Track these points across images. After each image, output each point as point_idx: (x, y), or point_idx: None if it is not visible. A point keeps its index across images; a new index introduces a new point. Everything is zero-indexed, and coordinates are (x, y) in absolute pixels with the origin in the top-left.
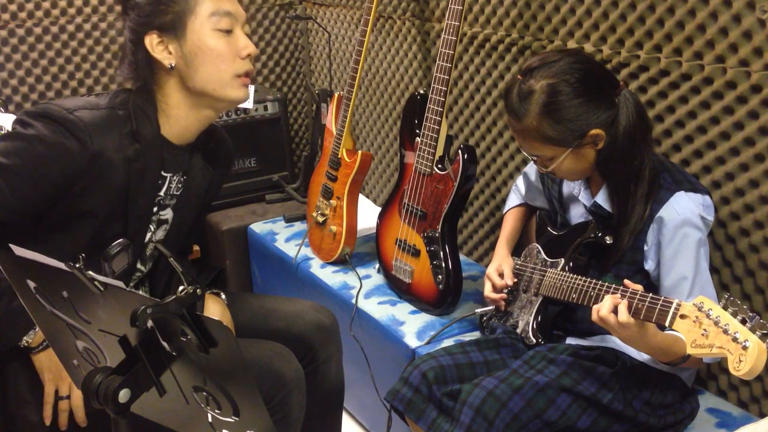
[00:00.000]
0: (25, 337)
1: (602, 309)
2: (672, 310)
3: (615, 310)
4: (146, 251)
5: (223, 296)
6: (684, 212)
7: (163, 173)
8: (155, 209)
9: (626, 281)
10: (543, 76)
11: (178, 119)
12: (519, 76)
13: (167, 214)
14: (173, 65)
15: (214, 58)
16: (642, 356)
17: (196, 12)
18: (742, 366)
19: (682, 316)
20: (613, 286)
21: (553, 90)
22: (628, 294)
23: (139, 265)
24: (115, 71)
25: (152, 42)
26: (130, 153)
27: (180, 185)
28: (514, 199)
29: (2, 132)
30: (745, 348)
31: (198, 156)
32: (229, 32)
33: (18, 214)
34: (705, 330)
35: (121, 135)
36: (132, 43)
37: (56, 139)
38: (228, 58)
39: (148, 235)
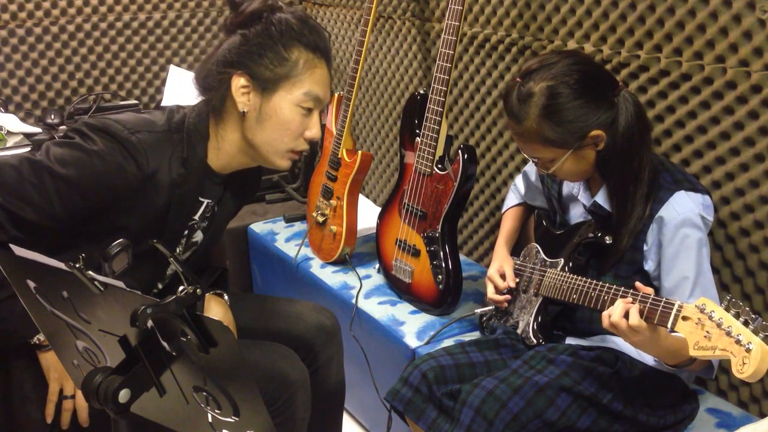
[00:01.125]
0: (37, 335)
1: (614, 314)
2: (674, 311)
3: (626, 315)
4: (167, 271)
5: (226, 297)
6: (684, 212)
7: (200, 199)
8: (186, 232)
9: (638, 284)
10: (542, 79)
11: (227, 154)
12: (518, 79)
13: (197, 236)
14: (245, 112)
15: (283, 129)
16: (643, 356)
17: (293, 84)
18: (745, 368)
19: (685, 318)
20: (614, 286)
21: (553, 92)
22: (629, 295)
23: (158, 283)
24: (196, 69)
25: (238, 83)
26: (176, 177)
27: (213, 209)
28: (512, 199)
29: (2, 131)
30: (748, 350)
31: (232, 183)
32: (308, 112)
33: (60, 222)
34: (708, 332)
35: (171, 158)
36: (220, 64)
37: (115, 159)
38: (294, 134)
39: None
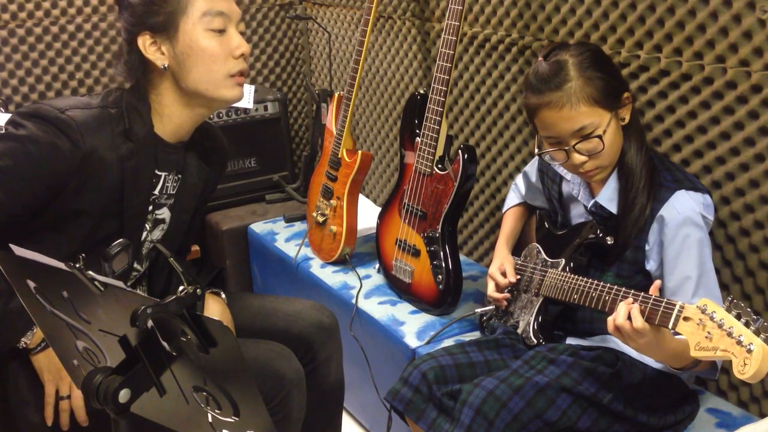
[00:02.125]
0: (23, 339)
1: (618, 317)
2: (675, 312)
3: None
4: (142, 250)
5: (223, 296)
6: (685, 211)
7: (157, 172)
8: (150, 208)
9: (655, 285)
10: (564, 51)
11: (171, 117)
12: (540, 58)
13: (164, 213)
14: (166, 66)
15: (206, 59)
16: (643, 357)
17: (188, 12)
18: (747, 369)
19: (686, 319)
20: (615, 287)
21: (583, 51)
22: (630, 296)
23: (135, 265)
24: (113, 69)
25: (145, 42)
26: (123, 151)
27: (176, 184)
28: (513, 198)
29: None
30: (749, 351)
31: (192, 154)
32: (222, 32)
33: (12, 215)
34: (709, 333)
35: (113, 134)
36: (126, 42)
37: (48, 139)
38: (220, 58)
39: (144, 234)
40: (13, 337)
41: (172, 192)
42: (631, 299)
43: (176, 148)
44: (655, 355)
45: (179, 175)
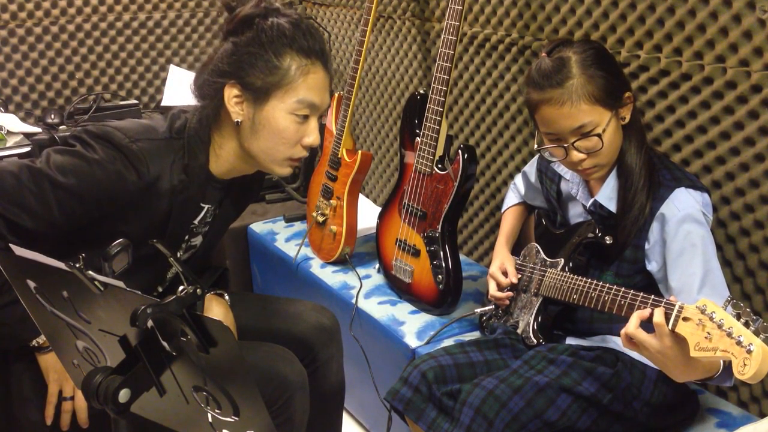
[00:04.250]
0: (36, 338)
1: (629, 326)
2: (675, 312)
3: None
4: (167, 274)
5: (227, 297)
6: (686, 208)
7: (201, 204)
8: (187, 237)
9: (672, 297)
10: (568, 48)
11: (226, 161)
12: (543, 53)
13: (197, 240)
14: (240, 122)
15: (278, 138)
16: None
17: (285, 92)
18: (746, 370)
19: (685, 319)
20: (614, 287)
21: (587, 48)
22: (629, 296)
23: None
24: (195, 80)
25: (231, 93)
26: (176, 183)
27: (214, 213)
28: (512, 198)
29: (3, 131)
30: (749, 352)
31: (234, 189)
32: (305, 118)
33: (58, 230)
34: (708, 333)
35: (173, 165)
36: (214, 75)
37: (115, 168)
38: (290, 142)
39: None
40: (28, 336)
41: (208, 220)
42: (648, 309)
43: (222, 183)
44: (676, 368)
45: (218, 206)
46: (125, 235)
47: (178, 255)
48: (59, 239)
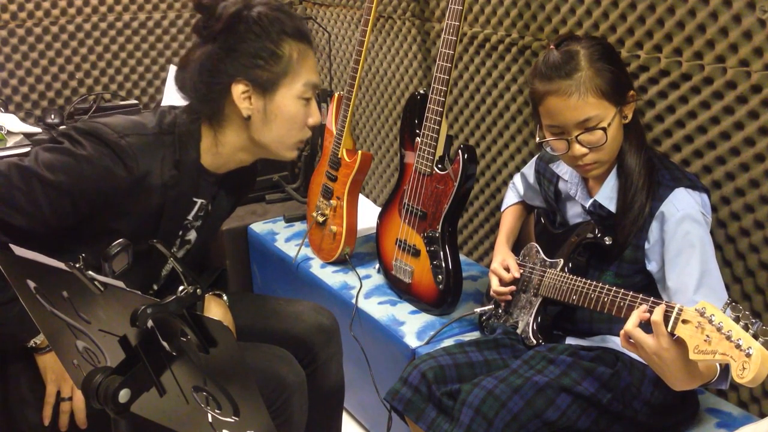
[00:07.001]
0: (34, 338)
1: (628, 324)
2: (674, 314)
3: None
4: (162, 271)
5: (225, 297)
6: (685, 208)
7: (194, 199)
8: (181, 232)
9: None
10: (577, 43)
11: (222, 154)
12: (552, 46)
13: (191, 235)
14: (250, 117)
15: (290, 124)
16: None
17: (293, 78)
18: (745, 374)
19: (684, 321)
20: (614, 288)
21: (595, 43)
22: (629, 297)
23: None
24: (175, 78)
25: (239, 90)
26: (168, 179)
27: (207, 208)
28: (512, 197)
29: (2, 131)
30: (748, 355)
31: (227, 182)
32: (308, 100)
33: (51, 227)
34: (707, 336)
35: (163, 160)
36: (213, 76)
37: (104, 163)
38: (300, 125)
39: None
40: (26, 336)
41: (200, 214)
42: (645, 306)
43: (215, 177)
44: (675, 373)
45: (211, 201)
46: (118, 232)
47: (174, 250)
48: (52, 237)
